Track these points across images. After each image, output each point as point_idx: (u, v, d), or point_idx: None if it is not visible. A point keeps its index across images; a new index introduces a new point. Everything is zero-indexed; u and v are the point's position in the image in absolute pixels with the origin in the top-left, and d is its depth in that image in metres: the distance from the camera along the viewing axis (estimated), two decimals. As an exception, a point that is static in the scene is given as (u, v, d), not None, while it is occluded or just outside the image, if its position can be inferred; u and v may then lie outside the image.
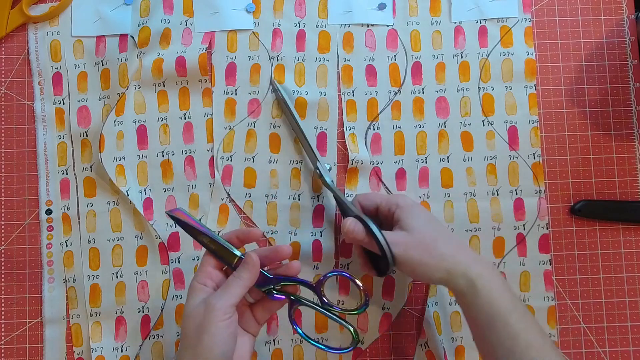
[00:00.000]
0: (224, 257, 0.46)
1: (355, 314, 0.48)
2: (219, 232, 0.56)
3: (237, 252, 0.46)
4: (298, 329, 0.48)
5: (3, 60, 0.58)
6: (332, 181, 0.53)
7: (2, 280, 0.56)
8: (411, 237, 0.45)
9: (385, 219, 0.49)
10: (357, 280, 0.47)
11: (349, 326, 0.47)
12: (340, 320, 0.47)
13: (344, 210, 0.51)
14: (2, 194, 0.57)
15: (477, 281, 0.43)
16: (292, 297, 0.47)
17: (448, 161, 0.57)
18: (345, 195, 0.56)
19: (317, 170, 0.53)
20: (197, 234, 0.46)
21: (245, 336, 0.46)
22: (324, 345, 0.49)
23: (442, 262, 0.44)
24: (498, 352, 0.42)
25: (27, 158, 0.57)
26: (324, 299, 0.48)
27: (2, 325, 0.55)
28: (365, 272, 0.51)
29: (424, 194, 0.56)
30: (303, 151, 0.56)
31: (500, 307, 0.43)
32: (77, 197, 0.56)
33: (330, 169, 0.54)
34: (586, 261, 0.56)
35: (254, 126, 0.57)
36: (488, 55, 0.58)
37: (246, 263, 0.45)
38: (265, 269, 0.47)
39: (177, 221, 0.47)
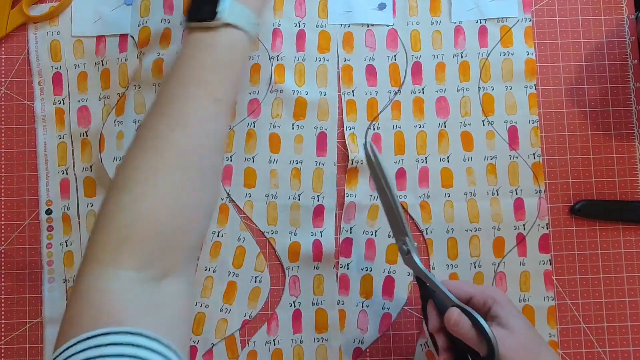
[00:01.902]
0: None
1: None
2: (219, 231, 0.56)
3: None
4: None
5: (3, 60, 0.58)
6: (421, 261, 0.48)
7: (2, 280, 0.56)
8: (514, 339, 0.43)
9: (477, 312, 0.45)
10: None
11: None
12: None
13: (430, 293, 0.47)
14: (2, 194, 0.57)
15: None
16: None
17: (448, 161, 0.57)
18: (346, 196, 0.56)
19: (405, 247, 0.48)
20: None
21: None
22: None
23: None
24: None
25: (27, 158, 0.57)
26: None
27: (2, 325, 0.55)
28: None
29: (424, 194, 0.57)
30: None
31: None
32: (77, 197, 0.56)
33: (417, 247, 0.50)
34: (586, 261, 0.56)
35: (254, 126, 0.57)
36: (488, 55, 0.58)
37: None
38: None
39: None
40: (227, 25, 0.43)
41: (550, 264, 0.56)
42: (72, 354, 0.31)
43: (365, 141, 0.49)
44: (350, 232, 0.56)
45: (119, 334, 0.32)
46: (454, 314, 0.44)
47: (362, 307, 0.56)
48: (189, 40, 0.44)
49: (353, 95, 0.57)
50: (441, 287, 0.46)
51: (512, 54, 0.58)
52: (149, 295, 0.36)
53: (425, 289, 0.48)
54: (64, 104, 0.57)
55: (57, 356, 0.32)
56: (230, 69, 0.43)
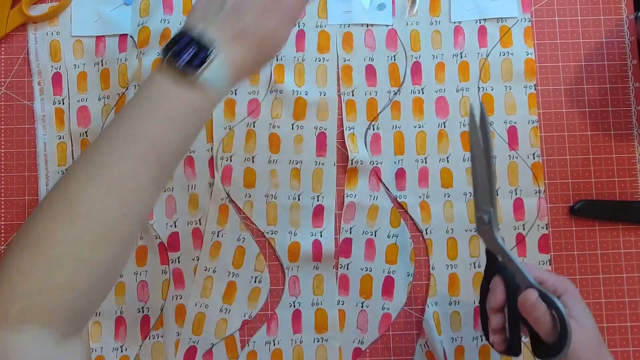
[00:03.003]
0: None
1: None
2: (219, 231, 0.56)
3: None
4: None
5: (3, 60, 0.58)
6: (503, 239, 0.46)
7: (2, 280, 0.56)
8: (583, 333, 0.43)
9: None
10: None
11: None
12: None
13: (499, 269, 0.45)
14: (2, 194, 0.57)
15: None
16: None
17: (448, 161, 0.57)
18: (345, 196, 0.56)
19: (485, 217, 0.46)
20: None
21: None
22: None
23: None
24: None
25: (27, 158, 0.57)
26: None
27: (2, 325, 0.55)
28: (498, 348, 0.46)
29: (424, 194, 0.57)
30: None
31: None
32: (77, 197, 0.56)
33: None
34: (586, 261, 0.56)
35: (254, 126, 0.57)
36: (487, 55, 0.58)
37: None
38: None
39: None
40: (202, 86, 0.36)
41: (549, 264, 0.56)
42: None
43: (472, 103, 0.47)
44: (350, 232, 0.56)
45: None
46: (533, 295, 0.43)
47: (362, 307, 0.56)
48: (158, 81, 0.36)
49: (353, 95, 0.57)
50: (520, 265, 0.44)
51: (512, 54, 0.58)
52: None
53: (495, 264, 0.46)
54: (63, 104, 0.57)
55: None
56: (187, 130, 0.37)
